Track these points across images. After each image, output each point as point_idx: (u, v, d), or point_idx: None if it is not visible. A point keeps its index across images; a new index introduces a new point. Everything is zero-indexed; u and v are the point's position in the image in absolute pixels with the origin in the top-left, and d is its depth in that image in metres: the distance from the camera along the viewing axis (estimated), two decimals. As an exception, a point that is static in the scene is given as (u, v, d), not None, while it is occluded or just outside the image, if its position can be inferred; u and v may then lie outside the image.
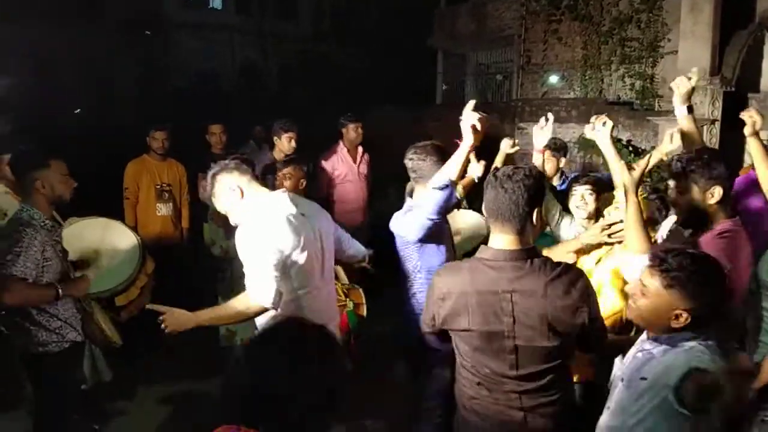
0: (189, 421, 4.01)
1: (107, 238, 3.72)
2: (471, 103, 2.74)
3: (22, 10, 8.73)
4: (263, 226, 2.69)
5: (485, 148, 3.13)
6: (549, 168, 4.17)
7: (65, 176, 3.08)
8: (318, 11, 18.37)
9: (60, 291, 2.93)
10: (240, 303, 2.66)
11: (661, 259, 1.90)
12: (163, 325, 2.60)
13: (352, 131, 5.68)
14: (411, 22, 11.44)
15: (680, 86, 3.03)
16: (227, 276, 4.30)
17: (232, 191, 2.76)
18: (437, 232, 2.88)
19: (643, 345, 2.01)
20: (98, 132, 5.91)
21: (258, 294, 2.61)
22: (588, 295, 2.11)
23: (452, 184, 2.72)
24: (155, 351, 4.58)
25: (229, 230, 4.19)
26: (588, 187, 3.31)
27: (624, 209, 2.57)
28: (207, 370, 4.43)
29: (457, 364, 2.33)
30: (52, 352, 3.03)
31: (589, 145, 7.04)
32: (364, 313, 3.53)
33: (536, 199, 2.12)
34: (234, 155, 4.40)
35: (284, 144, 5.18)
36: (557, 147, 4.42)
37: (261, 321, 2.82)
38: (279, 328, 1.39)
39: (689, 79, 3.06)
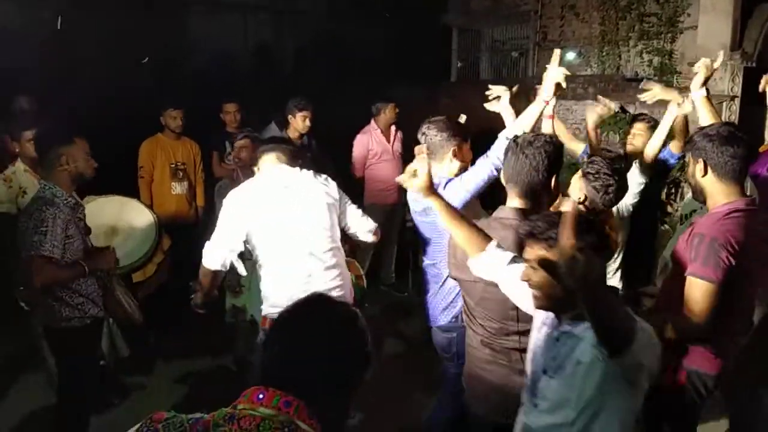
0: (202, 395, 4.09)
1: (124, 215, 3.79)
2: (557, 54, 2.75)
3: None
4: (231, 195, 2.97)
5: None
6: (640, 143, 4.01)
7: (88, 155, 3.12)
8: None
9: (87, 268, 2.98)
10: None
11: (530, 230, 1.80)
12: None
13: (389, 111, 5.74)
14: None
15: (704, 69, 2.99)
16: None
17: (257, 170, 3.08)
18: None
19: (558, 329, 1.87)
20: (116, 110, 5.91)
21: (206, 255, 2.94)
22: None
23: None
24: (166, 328, 4.65)
25: None
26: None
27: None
28: (216, 346, 4.50)
29: (466, 325, 2.39)
30: (74, 327, 3.10)
31: (606, 123, 6.96)
32: (365, 284, 3.64)
33: (555, 167, 2.18)
34: (244, 133, 4.43)
35: (298, 122, 5.18)
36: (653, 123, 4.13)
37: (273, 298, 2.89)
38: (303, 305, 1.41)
39: (712, 62, 3.03)
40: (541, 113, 2.77)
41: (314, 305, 1.41)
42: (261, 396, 1.23)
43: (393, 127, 5.89)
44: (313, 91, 6.02)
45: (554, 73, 2.70)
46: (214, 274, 2.96)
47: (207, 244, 2.97)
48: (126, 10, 9.61)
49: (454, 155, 2.98)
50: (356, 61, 11.89)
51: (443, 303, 2.94)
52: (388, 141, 5.83)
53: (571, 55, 9.07)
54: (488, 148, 3.23)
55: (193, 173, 5.40)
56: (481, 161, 2.81)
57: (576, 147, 4.39)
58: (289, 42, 16.14)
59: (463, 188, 2.81)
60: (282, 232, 2.90)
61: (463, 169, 2.98)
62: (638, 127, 4.23)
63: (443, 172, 3.00)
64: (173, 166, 5.25)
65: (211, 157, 5.51)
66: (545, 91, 2.73)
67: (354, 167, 5.71)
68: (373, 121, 5.82)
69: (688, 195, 3.78)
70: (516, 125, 2.76)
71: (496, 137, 3.76)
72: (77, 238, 3.06)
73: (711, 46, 6.40)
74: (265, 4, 16.00)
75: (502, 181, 2.31)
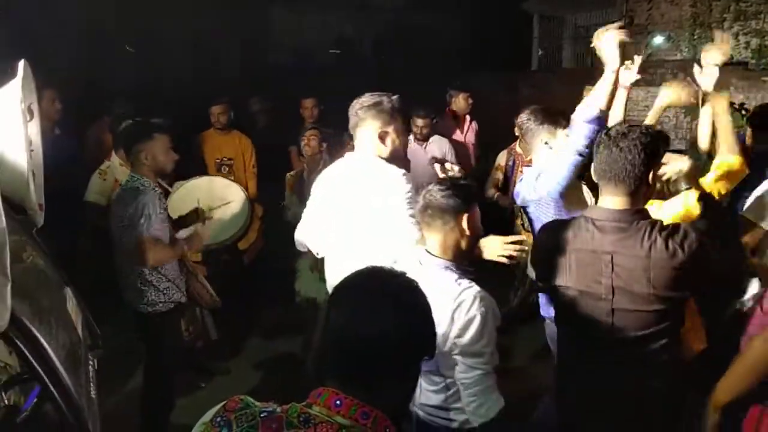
0: (281, 377, 4.21)
1: (215, 192, 4.02)
2: (613, 27, 2.52)
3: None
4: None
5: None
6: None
7: (168, 149, 3.28)
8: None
9: (185, 247, 3.26)
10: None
11: None
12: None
13: (462, 100, 5.66)
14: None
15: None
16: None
17: None
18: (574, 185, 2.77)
19: None
20: (203, 104, 6.12)
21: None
22: (698, 253, 1.96)
23: (603, 116, 2.51)
24: (248, 312, 4.80)
25: (301, 197, 4.32)
26: None
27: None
28: (295, 327, 4.58)
29: (559, 333, 2.30)
30: (159, 311, 3.27)
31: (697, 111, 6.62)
32: None
33: (653, 159, 2.01)
34: (311, 125, 4.56)
35: None
36: None
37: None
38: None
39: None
40: (615, 86, 2.52)
41: (373, 276, 1.35)
42: (338, 403, 1.19)
43: (467, 117, 5.80)
44: (393, 82, 6.02)
45: (611, 35, 2.46)
46: None
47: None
48: (211, 8, 9.99)
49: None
50: (436, 51, 11.82)
51: None
52: (461, 131, 5.75)
53: (659, 40, 8.66)
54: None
55: (242, 167, 5.35)
56: (563, 151, 2.65)
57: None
58: (369, 35, 16.27)
59: (553, 181, 2.67)
60: None
61: None
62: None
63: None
64: (218, 161, 5.25)
65: (290, 153, 5.60)
66: (609, 58, 2.47)
67: None
68: (447, 110, 5.76)
69: None
70: (589, 105, 2.51)
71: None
72: (167, 223, 3.28)
73: (817, 25, 5.95)
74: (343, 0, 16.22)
75: (594, 177, 2.13)
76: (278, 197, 4.53)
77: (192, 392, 4.04)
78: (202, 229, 3.47)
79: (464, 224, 2.05)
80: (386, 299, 1.26)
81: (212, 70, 9.78)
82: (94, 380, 2.16)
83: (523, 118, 3.00)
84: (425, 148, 5.16)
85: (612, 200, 2.05)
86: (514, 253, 2.35)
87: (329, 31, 15.18)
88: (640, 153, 1.97)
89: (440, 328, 1.82)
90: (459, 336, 1.94)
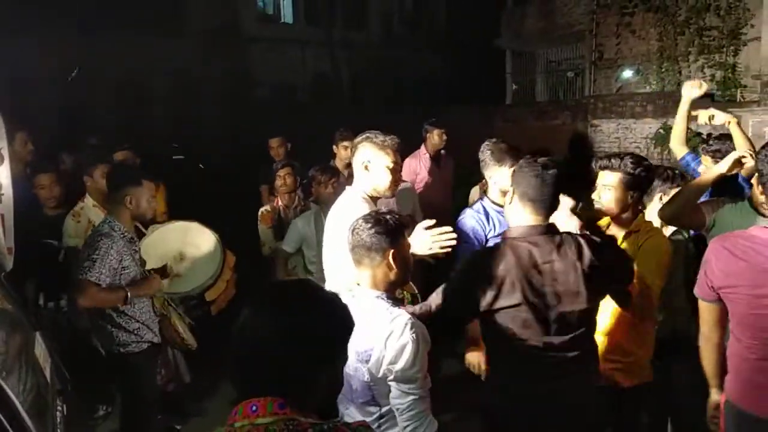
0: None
1: (189, 239, 3.92)
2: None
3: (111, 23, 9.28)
4: None
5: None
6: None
7: (152, 197, 3.25)
8: (387, 17, 18.53)
9: (129, 293, 3.08)
10: None
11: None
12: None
13: (436, 136, 5.65)
14: (478, 24, 11.38)
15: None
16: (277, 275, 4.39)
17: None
18: None
19: None
20: (182, 142, 6.12)
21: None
22: (620, 258, 2.34)
23: None
24: (223, 353, 4.72)
25: (276, 232, 4.37)
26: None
27: None
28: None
29: (497, 354, 2.37)
30: (132, 352, 3.20)
31: (666, 141, 6.77)
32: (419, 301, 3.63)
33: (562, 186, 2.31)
34: (283, 162, 4.57)
35: (341, 152, 5.20)
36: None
37: None
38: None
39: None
40: None
41: (273, 286, 1.49)
42: (254, 408, 1.25)
43: (443, 153, 5.83)
44: (370, 118, 6.06)
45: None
46: None
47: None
48: (195, 46, 10.08)
49: None
50: (412, 88, 12.01)
51: None
52: (438, 166, 5.77)
53: (628, 74, 8.90)
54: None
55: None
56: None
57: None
58: (346, 72, 16.49)
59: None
60: None
61: None
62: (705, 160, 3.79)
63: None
64: None
65: (261, 192, 5.54)
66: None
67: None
68: (423, 146, 5.78)
69: None
70: None
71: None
72: (133, 269, 3.19)
73: (777, 58, 6.17)
74: (322, 37, 16.46)
75: (517, 198, 2.30)
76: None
77: (168, 435, 3.95)
78: (154, 278, 3.35)
79: (391, 260, 2.09)
80: (280, 304, 1.33)
81: (192, 107, 9.81)
82: (62, 425, 2.11)
83: (483, 149, 3.15)
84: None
85: (536, 218, 2.28)
86: (447, 244, 2.46)
87: (307, 68, 15.34)
88: (557, 182, 2.25)
89: (374, 356, 1.94)
90: (392, 362, 1.98)
